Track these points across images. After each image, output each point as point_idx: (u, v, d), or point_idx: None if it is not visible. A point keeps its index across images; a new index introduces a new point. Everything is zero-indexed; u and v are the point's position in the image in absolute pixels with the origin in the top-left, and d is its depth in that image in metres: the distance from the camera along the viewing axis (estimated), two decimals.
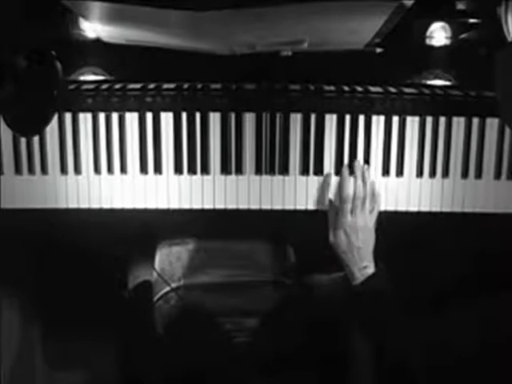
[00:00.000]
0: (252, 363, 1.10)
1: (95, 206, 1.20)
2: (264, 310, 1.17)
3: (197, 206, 1.20)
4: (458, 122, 1.19)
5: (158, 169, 1.20)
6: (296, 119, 1.19)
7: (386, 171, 1.20)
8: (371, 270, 1.07)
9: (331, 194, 1.17)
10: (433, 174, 1.20)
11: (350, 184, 1.12)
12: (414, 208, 1.21)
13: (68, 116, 1.18)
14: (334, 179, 1.18)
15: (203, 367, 1.10)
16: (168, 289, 1.20)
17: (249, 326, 1.14)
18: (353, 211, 1.10)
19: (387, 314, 1.05)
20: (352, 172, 1.15)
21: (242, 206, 1.21)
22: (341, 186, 1.14)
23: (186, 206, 1.20)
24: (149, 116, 1.19)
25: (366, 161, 1.19)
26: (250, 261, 1.24)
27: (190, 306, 1.17)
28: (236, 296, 1.18)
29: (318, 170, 1.20)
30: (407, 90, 1.17)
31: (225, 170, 1.20)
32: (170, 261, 1.24)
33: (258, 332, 1.14)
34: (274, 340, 1.12)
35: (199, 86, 1.18)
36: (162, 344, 1.14)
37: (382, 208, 1.20)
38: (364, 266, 1.07)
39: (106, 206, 1.19)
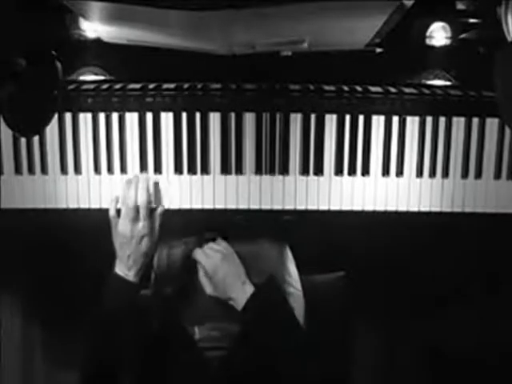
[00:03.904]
0: (251, 364, 1.10)
1: (95, 206, 1.20)
2: (263, 312, 1.16)
3: (197, 205, 1.20)
4: (458, 122, 1.19)
5: (157, 169, 1.20)
6: (296, 119, 1.19)
7: (386, 171, 1.20)
8: None
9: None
10: (433, 174, 1.20)
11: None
12: (414, 208, 1.21)
13: (68, 116, 1.19)
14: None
15: (198, 370, 1.10)
16: (165, 291, 1.20)
17: (247, 329, 1.14)
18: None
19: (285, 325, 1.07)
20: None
21: (242, 206, 1.21)
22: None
23: (186, 206, 1.20)
24: (149, 116, 1.19)
25: (366, 161, 1.20)
26: (249, 262, 1.23)
27: (186, 309, 1.17)
28: None
29: (318, 170, 1.20)
30: (407, 90, 1.17)
31: (225, 170, 1.20)
32: (168, 264, 1.24)
33: (258, 333, 1.13)
34: (273, 341, 1.11)
35: (199, 85, 1.18)
36: (156, 346, 1.14)
37: (383, 208, 1.20)
38: None
39: (106, 206, 1.19)
